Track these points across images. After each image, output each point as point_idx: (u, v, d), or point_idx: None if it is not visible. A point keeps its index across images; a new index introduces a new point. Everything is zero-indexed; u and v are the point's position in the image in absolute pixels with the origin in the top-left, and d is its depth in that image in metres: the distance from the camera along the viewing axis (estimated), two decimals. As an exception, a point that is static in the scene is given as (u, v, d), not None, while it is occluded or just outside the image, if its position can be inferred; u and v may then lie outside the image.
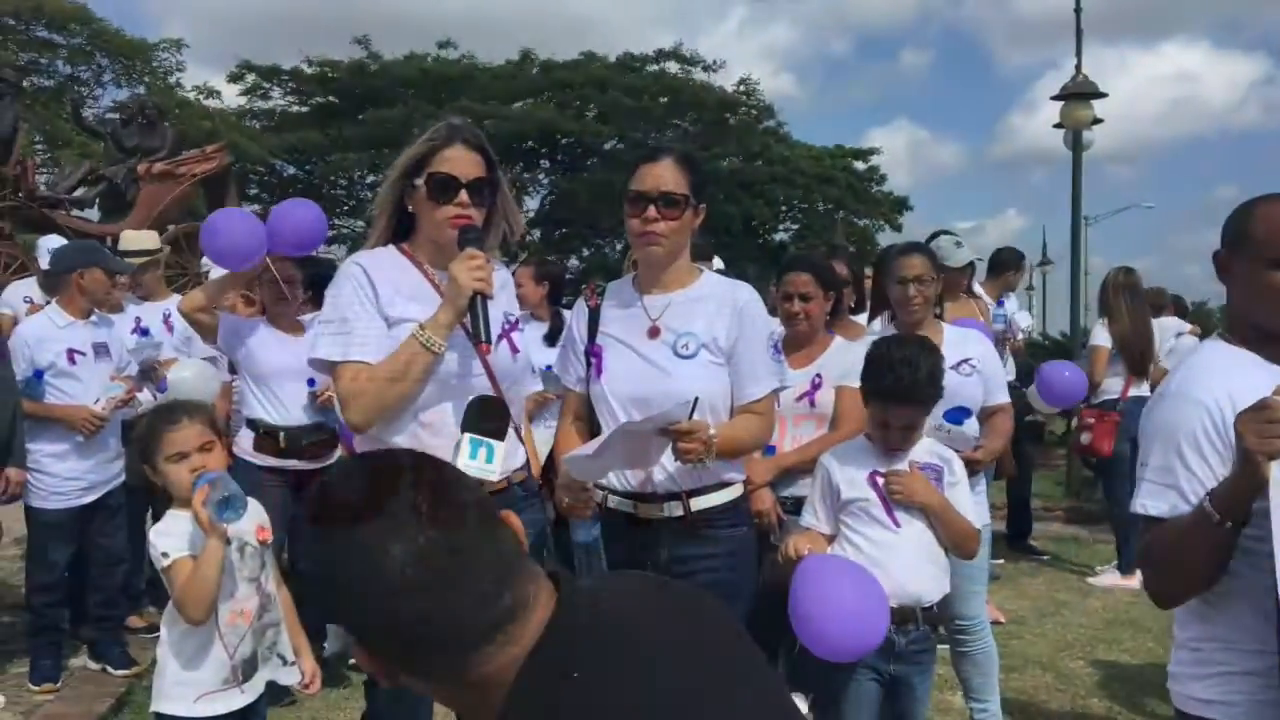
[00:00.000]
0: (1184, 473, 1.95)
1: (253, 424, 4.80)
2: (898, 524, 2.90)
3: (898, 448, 2.95)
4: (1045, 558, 7.52)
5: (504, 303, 2.75)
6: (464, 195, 2.60)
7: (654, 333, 2.75)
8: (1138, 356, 6.61)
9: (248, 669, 2.70)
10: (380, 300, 2.58)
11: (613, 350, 2.79)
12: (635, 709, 1.14)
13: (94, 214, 13.19)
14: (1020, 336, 7.05)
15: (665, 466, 2.68)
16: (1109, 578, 6.69)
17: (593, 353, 2.82)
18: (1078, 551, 7.67)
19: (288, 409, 4.62)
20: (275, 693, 4.37)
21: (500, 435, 1.97)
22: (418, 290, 2.63)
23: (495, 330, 2.61)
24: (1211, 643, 1.99)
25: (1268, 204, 2.02)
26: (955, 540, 2.95)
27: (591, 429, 2.84)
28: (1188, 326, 8.93)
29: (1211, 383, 1.97)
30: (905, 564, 2.89)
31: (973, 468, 3.66)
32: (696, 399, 2.54)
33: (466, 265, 2.50)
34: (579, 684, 1.14)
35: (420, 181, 2.61)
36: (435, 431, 2.56)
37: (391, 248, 2.72)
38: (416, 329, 2.50)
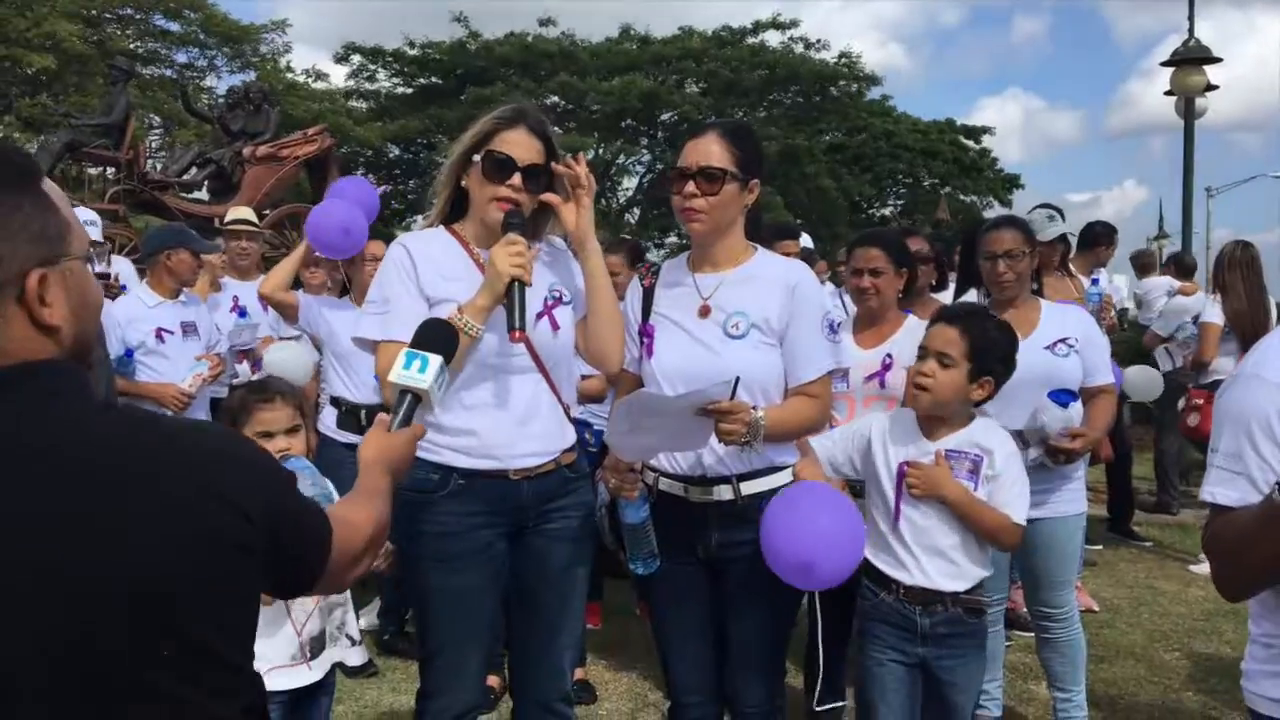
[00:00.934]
0: (1255, 459, 1.83)
1: (335, 401, 4.90)
2: (898, 518, 2.82)
3: (927, 388, 2.80)
4: (1147, 544, 7.24)
5: (552, 278, 2.72)
6: (517, 178, 2.58)
7: (705, 312, 2.70)
8: (1252, 335, 6.28)
9: (316, 646, 2.73)
10: (421, 280, 2.58)
11: (664, 329, 2.75)
12: None
13: (203, 195, 13.62)
14: (1114, 310, 6.78)
15: (715, 449, 2.63)
16: (1213, 566, 6.39)
17: (645, 332, 2.78)
18: (1182, 538, 7.33)
19: (369, 386, 4.68)
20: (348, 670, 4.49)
21: (446, 355, 2.04)
22: (461, 270, 2.61)
23: (537, 308, 2.59)
24: None
25: None
26: (985, 535, 2.83)
27: None
28: (1178, 284, 8.50)
29: None
30: (912, 554, 2.81)
31: (1070, 456, 3.53)
32: (737, 378, 2.49)
33: (506, 251, 2.46)
34: None
35: (478, 158, 2.60)
36: (478, 413, 2.56)
37: (440, 228, 2.72)
38: (454, 312, 2.47)
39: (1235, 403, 1.91)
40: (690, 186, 2.63)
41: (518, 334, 2.44)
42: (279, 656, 2.69)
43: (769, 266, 2.76)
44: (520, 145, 2.59)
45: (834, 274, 6.86)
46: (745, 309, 2.67)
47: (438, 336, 2.11)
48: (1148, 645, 5.12)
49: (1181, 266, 9.17)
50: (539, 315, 2.62)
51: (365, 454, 1.92)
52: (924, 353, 2.86)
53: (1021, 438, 3.49)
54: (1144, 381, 6.26)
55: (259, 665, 2.64)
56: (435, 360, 2.02)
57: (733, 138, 2.68)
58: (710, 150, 2.64)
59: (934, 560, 2.80)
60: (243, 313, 5.76)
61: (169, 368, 4.84)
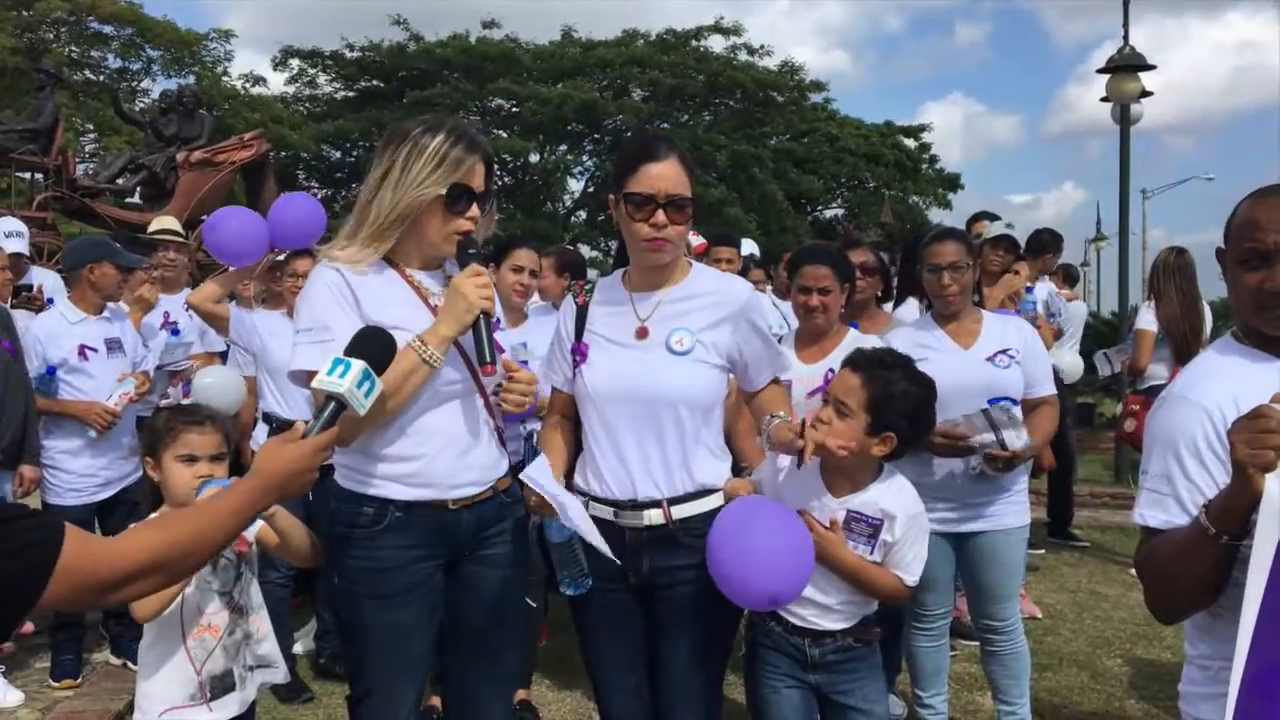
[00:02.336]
0: (1183, 481, 1.84)
1: (267, 418, 4.77)
2: None
3: (826, 450, 2.60)
4: (1088, 546, 7.32)
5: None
6: (475, 209, 2.52)
7: (642, 333, 2.63)
8: (1186, 342, 6.35)
9: (218, 687, 2.58)
10: (362, 306, 2.45)
11: (599, 349, 2.67)
12: None
13: (136, 201, 13.32)
14: (1053, 320, 6.85)
15: (649, 473, 2.58)
16: (1154, 569, 6.44)
17: (578, 351, 2.71)
18: (1123, 541, 7.39)
19: (301, 403, 4.55)
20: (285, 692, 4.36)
21: (375, 365, 2.07)
22: (404, 298, 2.51)
23: None
24: (1218, 660, 1.84)
25: (1250, 199, 1.90)
26: (874, 596, 2.75)
27: (576, 429, 2.74)
28: (1060, 292, 8.86)
29: (1215, 385, 1.86)
30: (798, 600, 2.67)
31: (1009, 464, 3.51)
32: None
33: (474, 283, 2.40)
34: None
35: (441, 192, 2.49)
36: (421, 440, 2.47)
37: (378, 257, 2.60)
38: (415, 342, 2.38)
39: (1164, 425, 1.91)
40: (661, 216, 2.54)
41: (490, 368, 2.39)
42: (175, 697, 2.55)
43: (706, 283, 2.69)
44: (478, 175, 2.52)
45: (772, 281, 6.77)
46: (686, 325, 2.61)
47: (373, 345, 2.12)
48: (1091, 652, 5.14)
49: (1068, 276, 9.54)
50: None
51: (256, 460, 1.89)
52: (827, 398, 2.74)
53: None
54: (1070, 365, 6.36)
55: (152, 705, 2.53)
56: (357, 365, 2.02)
57: (685, 161, 2.60)
58: (678, 177, 2.55)
59: (821, 614, 2.72)
60: (175, 330, 5.59)
61: (93, 386, 4.66)
